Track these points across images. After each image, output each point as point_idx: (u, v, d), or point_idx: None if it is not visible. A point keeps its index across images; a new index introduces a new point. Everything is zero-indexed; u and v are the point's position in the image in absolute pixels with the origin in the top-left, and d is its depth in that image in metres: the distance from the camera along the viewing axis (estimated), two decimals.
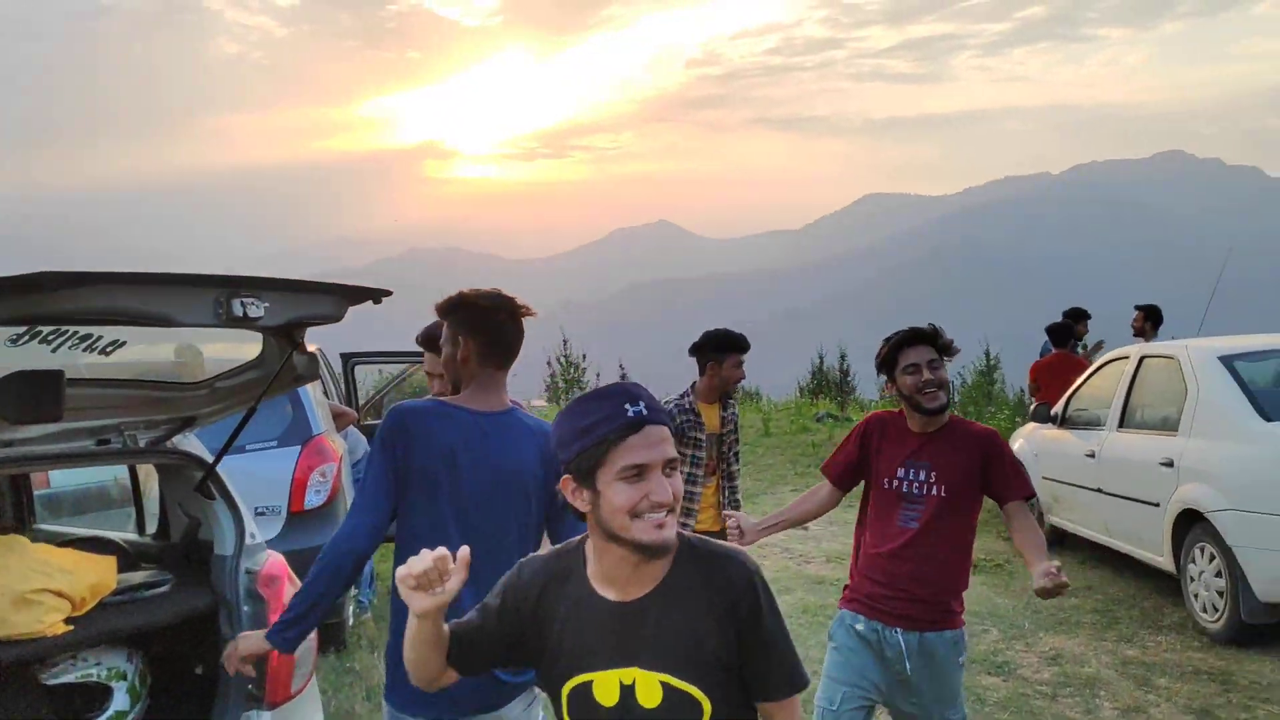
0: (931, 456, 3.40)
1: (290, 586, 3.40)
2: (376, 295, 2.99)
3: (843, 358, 23.10)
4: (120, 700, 3.20)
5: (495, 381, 2.79)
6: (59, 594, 3.06)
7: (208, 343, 3.45)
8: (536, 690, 2.83)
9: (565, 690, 1.90)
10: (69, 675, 3.15)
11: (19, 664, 3.05)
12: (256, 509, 5.60)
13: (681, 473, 5.35)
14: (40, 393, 2.84)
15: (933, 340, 3.43)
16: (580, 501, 1.82)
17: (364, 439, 7.29)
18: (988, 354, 19.06)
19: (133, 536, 4.28)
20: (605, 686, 1.85)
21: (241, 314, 2.60)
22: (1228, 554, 5.95)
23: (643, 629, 1.84)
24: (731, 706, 1.87)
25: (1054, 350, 10.05)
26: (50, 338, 2.80)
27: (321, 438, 6.03)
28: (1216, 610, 6.14)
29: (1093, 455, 7.62)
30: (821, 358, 23.32)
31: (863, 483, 3.61)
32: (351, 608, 6.50)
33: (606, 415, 1.77)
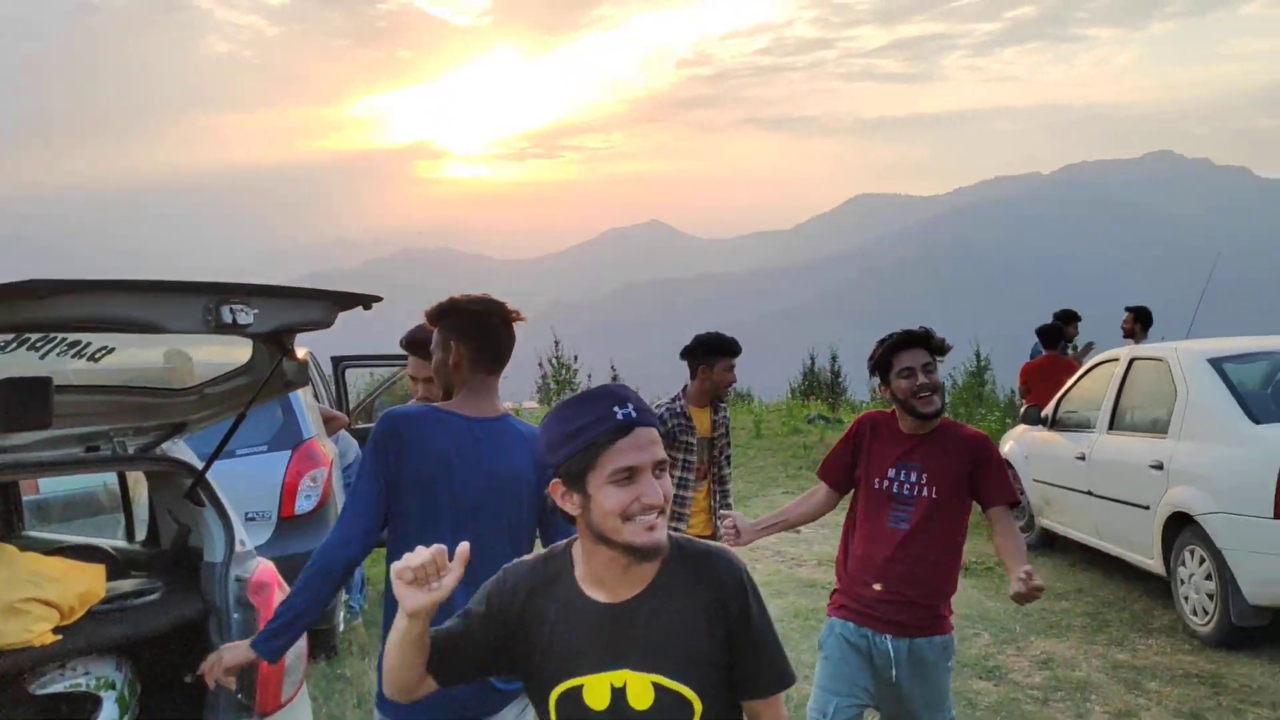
0: (923, 458, 3.41)
1: (280, 594, 3.39)
2: (367, 301, 2.98)
3: (834, 358, 23.15)
4: (109, 710, 3.18)
5: (487, 387, 2.78)
6: (47, 603, 3.04)
7: (197, 347, 3.43)
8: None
9: (554, 695, 1.88)
10: (58, 685, 3.13)
11: (7, 674, 3.02)
12: (246, 514, 5.57)
13: (673, 477, 5.33)
14: (28, 400, 2.82)
15: (926, 343, 3.43)
16: (570, 505, 1.81)
17: (355, 443, 7.26)
18: (978, 355, 19.09)
19: (122, 543, 4.26)
20: (595, 690, 1.84)
21: (231, 321, 2.59)
22: (1217, 557, 5.97)
23: (634, 629, 1.84)
24: (721, 706, 1.88)
25: (1044, 352, 10.08)
26: (38, 344, 2.78)
27: (312, 442, 6.00)
28: (1206, 613, 6.16)
29: (1083, 458, 7.64)
30: (813, 358, 23.37)
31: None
32: (342, 614, 6.48)
33: (595, 418, 1.77)
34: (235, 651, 2.74)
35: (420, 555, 1.75)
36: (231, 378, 3.39)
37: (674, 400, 5.09)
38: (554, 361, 20.76)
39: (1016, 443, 9.08)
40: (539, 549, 2.06)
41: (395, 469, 2.64)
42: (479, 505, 2.68)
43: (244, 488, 5.33)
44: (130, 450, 3.43)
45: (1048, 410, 8.49)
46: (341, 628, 6.41)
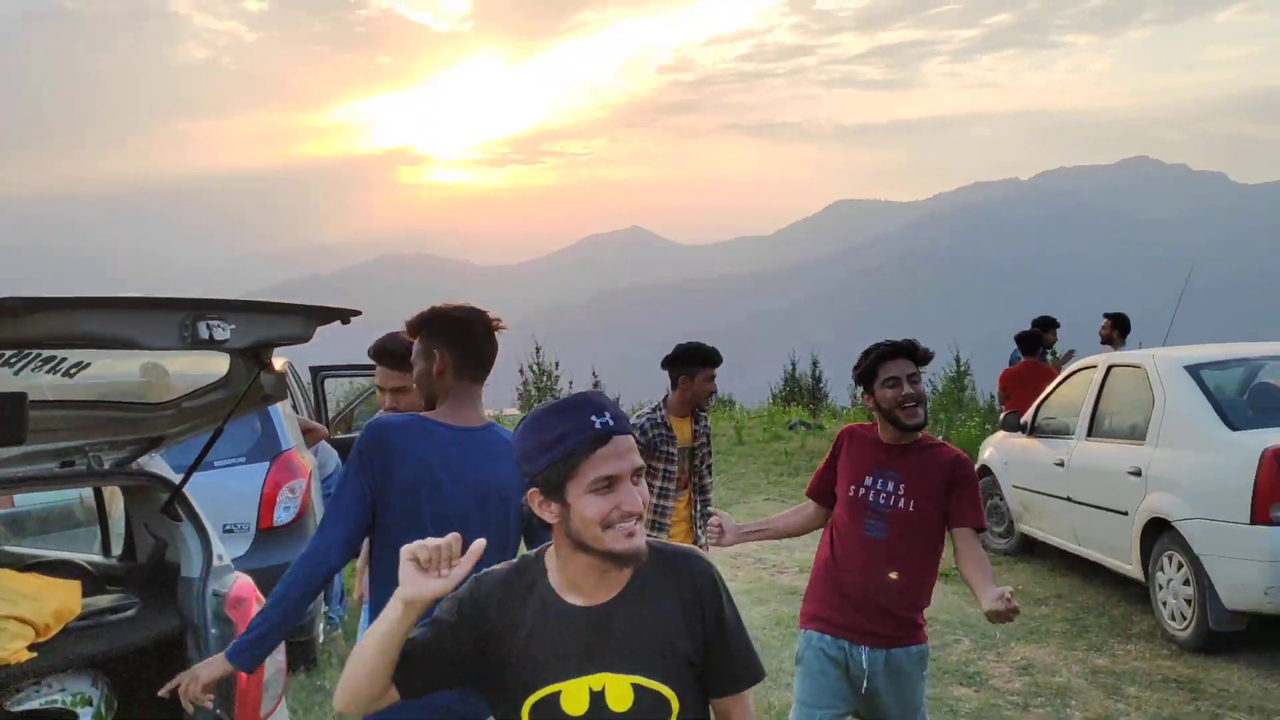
0: (901, 469, 3.41)
1: (258, 608, 3.37)
2: (345, 315, 2.97)
3: (815, 364, 23.18)
4: None
5: (471, 395, 2.78)
6: (23, 620, 3.01)
7: (174, 359, 3.41)
8: None
9: (529, 704, 1.86)
10: (33, 702, 3.10)
11: None
12: (224, 526, 5.54)
13: (654, 487, 5.31)
14: (2, 416, 2.80)
15: (912, 354, 3.44)
16: (548, 513, 1.82)
17: (335, 454, 7.23)
18: (958, 360, 19.14)
19: (98, 558, 4.22)
20: (573, 696, 1.84)
21: (207, 336, 2.58)
22: (1195, 562, 6.01)
23: (613, 632, 1.85)
24: (695, 704, 1.91)
25: (1023, 358, 10.13)
26: (12, 360, 2.76)
27: (290, 453, 5.97)
28: (1184, 618, 6.20)
29: (1062, 464, 7.68)
30: (794, 364, 23.41)
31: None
32: (322, 625, 6.44)
33: (574, 427, 1.77)
34: (211, 666, 2.70)
35: (436, 540, 1.75)
36: (209, 391, 3.38)
37: (655, 410, 5.09)
38: (535, 368, 20.72)
39: (996, 449, 9.12)
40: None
41: (381, 478, 2.63)
42: (465, 514, 2.67)
43: (222, 499, 5.31)
44: (106, 465, 3.41)
45: (1027, 416, 8.53)
46: (321, 639, 6.37)
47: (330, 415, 8.77)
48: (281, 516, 5.81)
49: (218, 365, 3.30)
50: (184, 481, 3.43)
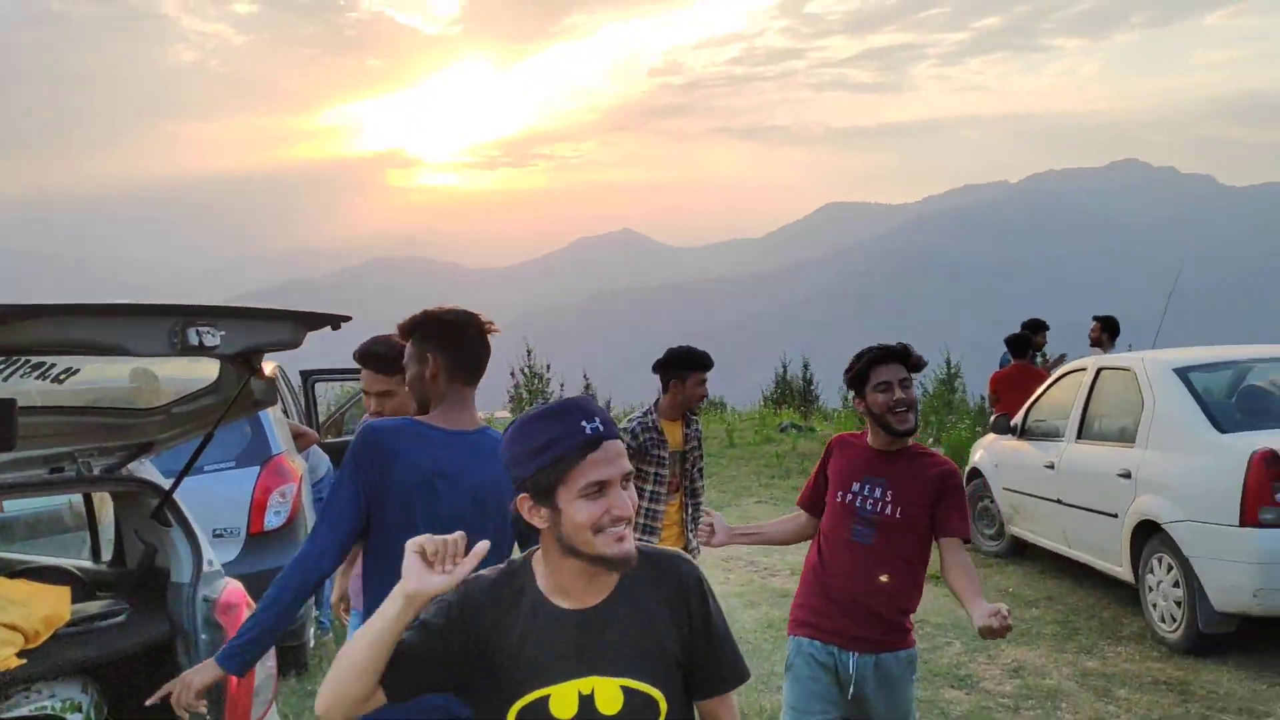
0: (889, 475, 3.40)
1: (249, 614, 3.36)
2: (335, 321, 2.97)
3: (805, 366, 23.23)
4: None
5: (465, 399, 2.77)
6: (12, 627, 3.00)
7: (164, 363, 3.40)
8: None
9: (515, 709, 1.85)
10: (23, 708, 3.09)
11: None
12: (215, 530, 5.52)
13: (645, 491, 5.30)
14: None
15: (905, 359, 3.43)
16: (538, 519, 1.83)
17: (326, 457, 7.21)
18: (948, 362, 19.20)
19: (87, 564, 4.21)
20: (563, 699, 1.84)
21: (197, 343, 2.58)
22: (1185, 564, 6.03)
23: (604, 634, 1.87)
24: (682, 704, 1.93)
25: (1013, 361, 10.15)
26: (1, 367, 2.75)
27: (281, 457, 5.96)
28: (1174, 620, 6.22)
29: (1052, 466, 7.70)
30: (785, 366, 23.44)
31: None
32: (312, 630, 6.43)
33: (564, 433, 1.78)
34: (203, 672, 2.68)
35: (442, 535, 1.76)
36: (199, 397, 3.37)
37: (645, 414, 5.09)
38: (526, 370, 20.71)
39: (986, 451, 9.14)
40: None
41: (376, 482, 2.62)
42: (461, 518, 2.66)
43: (212, 504, 5.29)
44: (96, 471, 3.40)
45: (1017, 419, 8.55)
46: (312, 644, 6.36)
47: (321, 419, 8.75)
48: (272, 521, 5.79)
49: (208, 370, 3.30)
50: (174, 487, 3.43)
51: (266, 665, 3.40)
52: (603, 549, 1.78)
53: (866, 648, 3.38)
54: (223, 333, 2.63)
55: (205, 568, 3.41)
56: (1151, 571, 6.44)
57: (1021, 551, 8.66)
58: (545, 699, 1.84)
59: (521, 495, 1.84)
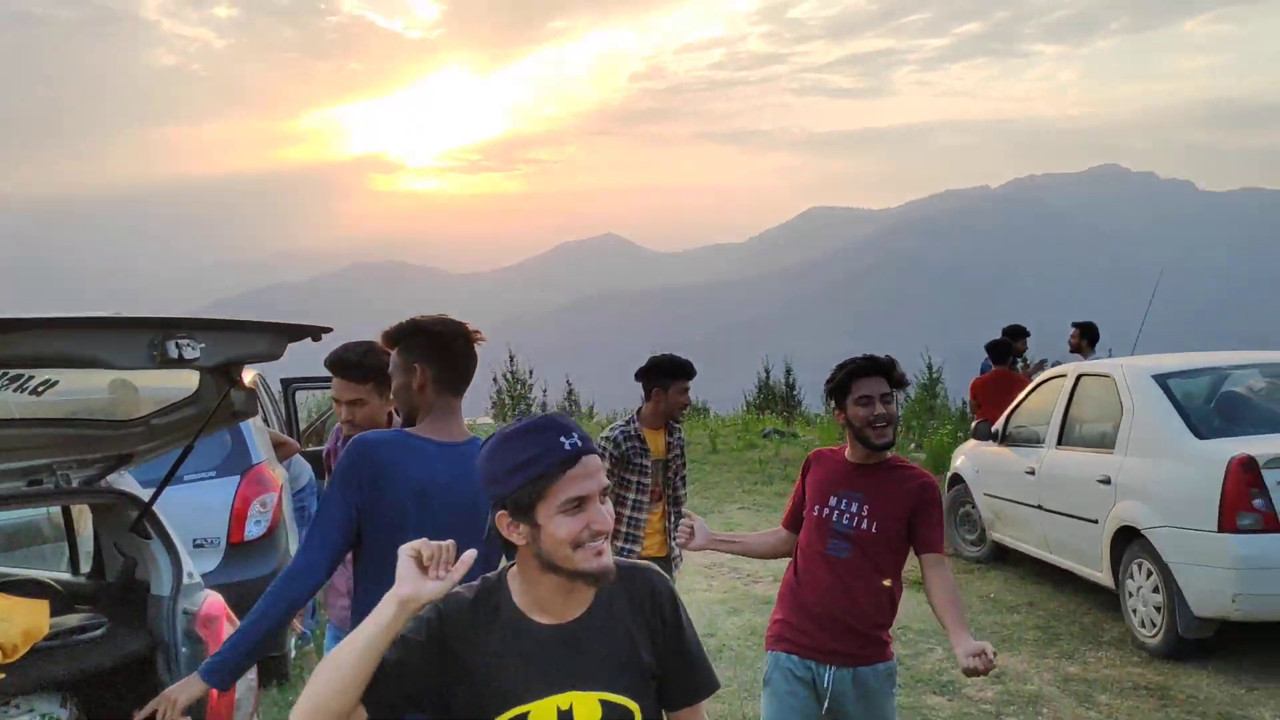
0: (866, 489, 3.38)
1: (229, 626, 3.34)
2: (315, 332, 2.96)
3: (788, 371, 23.26)
4: None
5: (453, 409, 2.76)
6: None
7: (144, 373, 3.38)
8: None
9: None
10: None
11: None
12: (195, 540, 5.49)
13: (628, 499, 5.28)
14: None
15: (888, 373, 3.40)
16: (516, 535, 1.83)
17: (308, 466, 7.16)
18: (930, 367, 19.26)
19: (66, 576, 4.18)
20: (542, 716, 1.84)
21: (177, 355, 2.57)
22: (1164, 570, 6.07)
23: (583, 649, 1.87)
24: (654, 715, 1.95)
25: (994, 367, 10.20)
26: None
27: (261, 467, 5.92)
28: (1154, 625, 6.26)
29: (1032, 472, 7.74)
30: (768, 371, 23.46)
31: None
32: (294, 640, 6.39)
33: (544, 450, 1.78)
34: (188, 688, 2.64)
35: (436, 541, 1.77)
36: (179, 408, 3.36)
37: (628, 422, 5.09)
38: (509, 377, 20.68)
39: (967, 457, 9.18)
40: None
41: (369, 496, 2.61)
42: (453, 530, 2.66)
43: (192, 514, 5.26)
44: (74, 483, 3.38)
45: (998, 425, 8.59)
46: (293, 654, 6.32)
47: (302, 428, 8.71)
48: (252, 531, 5.76)
49: (188, 381, 3.28)
50: (153, 499, 3.41)
51: (247, 677, 3.38)
52: (582, 564, 1.79)
53: (844, 661, 3.36)
54: (203, 345, 2.62)
55: (185, 580, 3.40)
56: (1131, 577, 6.47)
57: (1003, 557, 8.70)
58: (524, 716, 1.84)
59: (500, 512, 1.83)
